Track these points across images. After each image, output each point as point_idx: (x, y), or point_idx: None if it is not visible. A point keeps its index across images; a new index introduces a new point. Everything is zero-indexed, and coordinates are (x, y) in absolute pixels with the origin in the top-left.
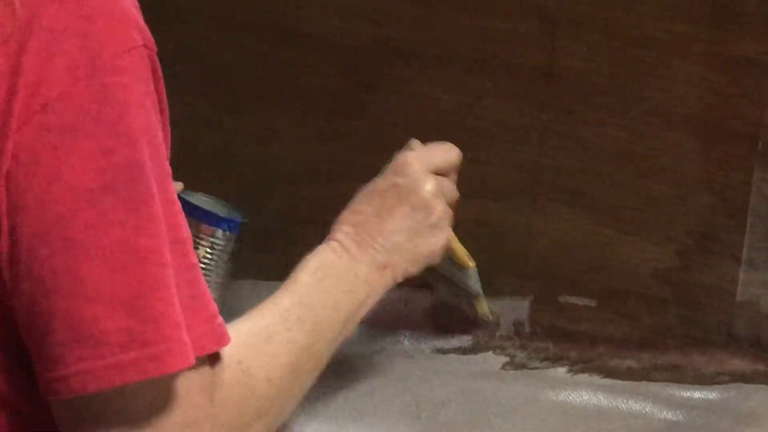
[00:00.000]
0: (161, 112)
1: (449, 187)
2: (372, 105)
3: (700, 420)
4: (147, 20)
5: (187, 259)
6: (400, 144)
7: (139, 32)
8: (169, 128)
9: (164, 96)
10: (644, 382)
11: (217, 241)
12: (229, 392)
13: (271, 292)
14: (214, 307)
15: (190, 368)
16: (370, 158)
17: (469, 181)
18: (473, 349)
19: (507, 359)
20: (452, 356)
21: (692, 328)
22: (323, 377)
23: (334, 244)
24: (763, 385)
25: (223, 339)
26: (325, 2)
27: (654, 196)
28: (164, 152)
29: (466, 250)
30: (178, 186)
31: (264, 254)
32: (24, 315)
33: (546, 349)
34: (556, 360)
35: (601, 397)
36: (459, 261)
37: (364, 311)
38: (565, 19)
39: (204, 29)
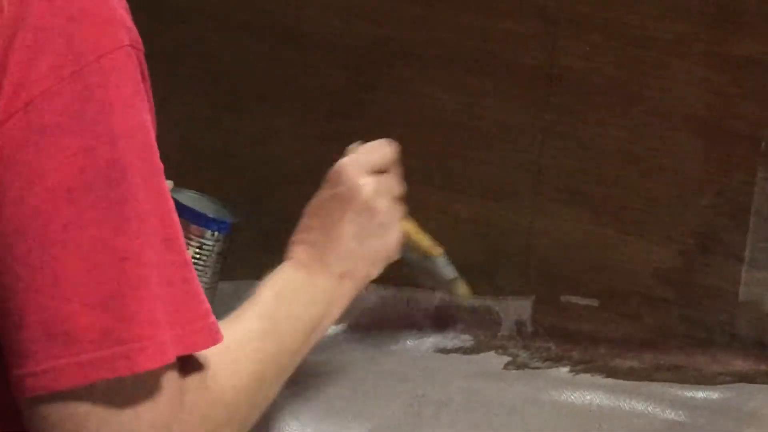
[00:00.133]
0: (150, 110)
1: (389, 183)
2: (372, 105)
3: (702, 420)
4: (147, 21)
5: (179, 257)
6: (401, 144)
7: (126, 32)
8: (155, 127)
9: (151, 95)
10: (646, 382)
11: (206, 241)
12: (198, 397)
13: None
14: (207, 306)
15: (164, 370)
16: None
17: (470, 181)
18: (475, 349)
19: (509, 359)
20: (454, 356)
21: (694, 329)
22: (325, 376)
23: (290, 262)
24: (765, 385)
25: (215, 337)
26: (325, 2)
27: (656, 196)
28: (155, 149)
29: (430, 239)
30: (168, 184)
31: (264, 254)
32: None
33: (548, 349)
34: (557, 360)
35: (603, 398)
36: (425, 251)
37: (329, 322)
38: (566, 19)
39: (204, 29)
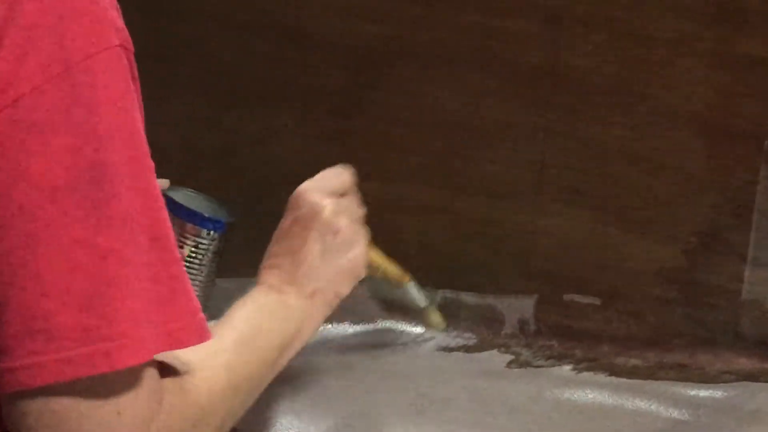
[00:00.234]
0: (139, 110)
1: (349, 205)
2: (373, 104)
3: (705, 419)
4: (147, 20)
5: (168, 255)
6: (402, 143)
7: (116, 33)
8: (144, 127)
9: (140, 95)
10: (649, 381)
11: (201, 240)
12: (175, 398)
13: None
14: (197, 304)
15: (143, 368)
16: (372, 158)
17: (472, 180)
18: (478, 348)
19: (512, 357)
20: (457, 354)
21: (698, 327)
22: (328, 374)
23: (261, 287)
24: None
25: (204, 335)
26: (326, 2)
27: (658, 195)
28: (144, 149)
29: (397, 267)
30: (164, 183)
31: (265, 252)
32: None
33: (551, 348)
34: (560, 358)
35: (606, 396)
36: (393, 280)
37: (302, 339)
38: (569, 17)
39: (205, 29)
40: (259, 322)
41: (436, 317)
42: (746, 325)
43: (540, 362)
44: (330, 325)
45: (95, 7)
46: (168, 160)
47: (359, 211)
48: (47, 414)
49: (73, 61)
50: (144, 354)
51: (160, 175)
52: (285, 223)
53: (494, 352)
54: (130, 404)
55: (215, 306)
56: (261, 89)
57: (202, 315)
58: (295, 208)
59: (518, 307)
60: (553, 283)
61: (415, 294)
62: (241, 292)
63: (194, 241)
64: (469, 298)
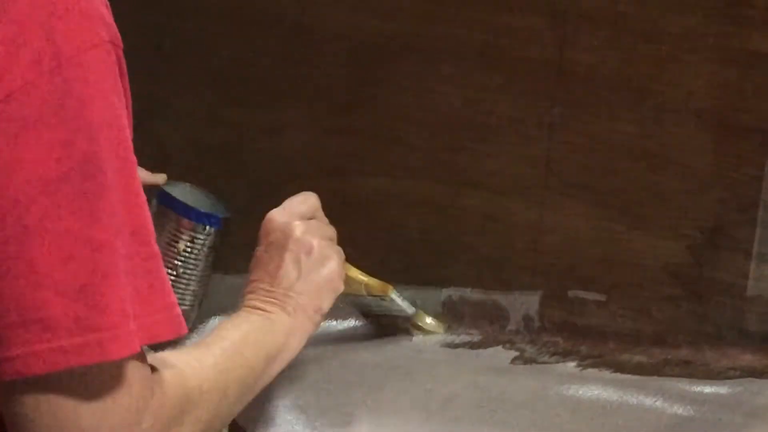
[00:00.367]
0: (126, 106)
1: (319, 226)
2: (379, 100)
3: (711, 415)
4: (153, 16)
5: (147, 249)
6: (409, 139)
7: (105, 29)
8: (131, 122)
9: (128, 91)
10: (655, 377)
11: (197, 235)
12: (168, 389)
13: None
14: (173, 298)
15: (135, 359)
16: (379, 153)
17: (478, 175)
18: (482, 344)
19: (516, 354)
20: (461, 351)
21: (703, 323)
22: (332, 370)
23: (244, 309)
24: None
25: (179, 329)
26: None
27: (664, 190)
28: (129, 144)
29: (377, 280)
30: (162, 178)
31: None
32: None
33: (556, 344)
34: (565, 355)
35: (611, 392)
36: (378, 292)
37: (289, 353)
38: (576, 13)
39: (210, 25)
40: (245, 335)
41: (430, 321)
42: (751, 321)
43: (545, 359)
44: (335, 322)
45: (85, 3)
46: (173, 156)
47: (329, 231)
48: (43, 402)
49: (65, 56)
50: (134, 345)
51: (166, 171)
52: (259, 250)
53: (499, 348)
54: (125, 392)
55: (222, 301)
56: (266, 85)
57: (178, 310)
58: (266, 234)
59: (523, 304)
60: (558, 279)
61: (401, 302)
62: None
63: (190, 236)
64: (473, 294)
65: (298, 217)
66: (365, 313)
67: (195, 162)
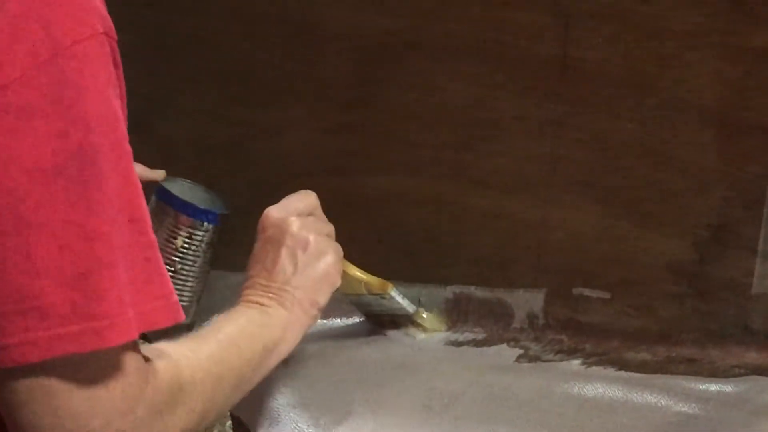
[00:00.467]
0: (121, 97)
1: (315, 221)
2: (384, 98)
3: (715, 413)
4: (158, 14)
5: (144, 237)
6: (413, 137)
7: (100, 20)
8: (126, 113)
9: (123, 82)
10: (659, 375)
11: (195, 231)
12: (160, 377)
13: None
14: (170, 286)
15: (130, 348)
16: (383, 151)
17: (482, 173)
18: (487, 342)
19: (521, 352)
20: (466, 349)
21: (708, 321)
22: (336, 368)
23: (242, 304)
24: None
25: (176, 316)
26: None
27: (669, 188)
28: (124, 134)
29: (376, 278)
30: (161, 174)
31: None
32: None
33: (560, 342)
34: (570, 353)
35: (615, 390)
36: (377, 290)
37: (286, 347)
38: (580, 10)
39: (215, 23)
40: (242, 328)
41: (431, 319)
42: (756, 319)
43: (549, 356)
44: (339, 319)
45: None
46: (176, 154)
47: (327, 227)
48: (38, 390)
49: (61, 47)
50: (130, 333)
51: (168, 169)
52: (257, 246)
53: (503, 346)
54: (119, 380)
55: (224, 299)
56: (269, 83)
57: (176, 298)
58: (263, 230)
59: (528, 301)
60: (563, 277)
61: (402, 300)
62: None
63: (188, 232)
64: (478, 292)
65: (295, 214)
66: (366, 313)
67: (198, 160)
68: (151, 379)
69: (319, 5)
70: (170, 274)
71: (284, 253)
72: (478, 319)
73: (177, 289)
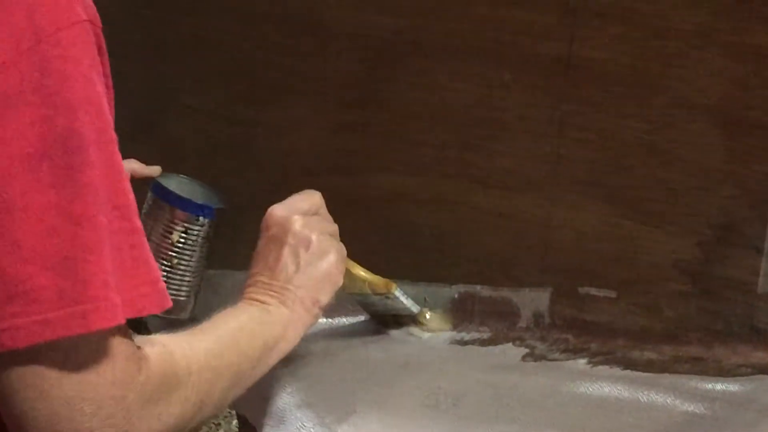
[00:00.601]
0: (106, 85)
1: (319, 221)
2: (389, 97)
3: (721, 413)
4: (163, 13)
5: (129, 224)
6: (417, 136)
7: (83, 8)
8: (113, 102)
9: (108, 70)
10: (665, 375)
11: (191, 226)
12: (154, 366)
13: None
14: (157, 273)
15: (119, 334)
16: (388, 150)
17: (488, 172)
18: (493, 341)
19: (527, 351)
20: (471, 348)
21: (714, 320)
22: (342, 367)
23: (243, 301)
24: None
25: (163, 303)
26: None
27: (675, 187)
28: (109, 121)
29: (380, 278)
30: (156, 170)
31: None
32: None
33: (566, 341)
34: (576, 352)
35: (621, 390)
36: (381, 290)
37: (286, 344)
38: (585, 9)
39: (221, 21)
40: (242, 324)
41: (435, 319)
42: (763, 318)
43: (555, 356)
44: (344, 318)
45: None
46: (182, 152)
47: (331, 227)
48: (28, 374)
49: (44, 34)
50: (116, 318)
51: (175, 167)
52: (260, 244)
53: (509, 345)
54: (109, 366)
55: (231, 297)
56: (275, 82)
57: (162, 284)
58: (266, 228)
59: (533, 300)
60: (569, 276)
61: (406, 300)
62: None
63: (183, 226)
64: (483, 291)
65: (299, 213)
66: (371, 313)
67: (202, 159)
68: (143, 366)
69: (325, 4)
70: (167, 269)
71: (287, 251)
72: (483, 319)
73: (175, 285)
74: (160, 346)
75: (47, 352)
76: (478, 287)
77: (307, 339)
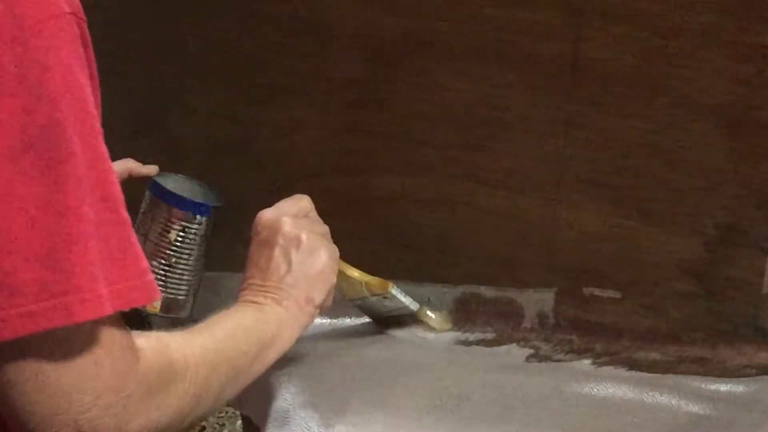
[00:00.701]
0: (91, 77)
1: (308, 221)
2: (393, 97)
3: (726, 413)
4: (167, 13)
5: (115, 215)
6: (423, 136)
7: (66, 1)
8: (99, 93)
9: (93, 62)
10: (670, 375)
11: (188, 225)
12: (152, 357)
13: None
14: (145, 265)
15: (114, 324)
16: (392, 150)
17: (492, 172)
18: (497, 342)
19: (531, 352)
20: (476, 348)
21: (719, 321)
22: (346, 368)
23: (238, 303)
24: None
25: (152, 295)
26: None
27: (679, 187)
28: (93, 113)
29: (376, 278)
30: (153, 169)
31: None
32: None
33: (570, 342)
34: (580, 352)
35: (626, 390)
36: (378, 290)
37: (282, 343)
38: (590, 9)
39: (225, 21)
40: (238, 321)
41: (436, 316)
42: (767, 318)
43: (559, 356)
44: (348, 319)
45: None
46: (186, 153)
47: (320, 227)
48: (25, 368)
49: (26, 25)
50: (101, 309)
51: (179, 167)
52: (251, 249)
53: (513, 346)
54: (105, 356)
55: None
56: (280, 81)
57: (151, 277)
58: (256, 233)
59: (538, 301)
60: (573, 277)
61: (404, 298)
62: None
63: (181, 225)
64: (488, 291)
65: (288, 215)
66: (372, 317)
67: (206, 159)
68: (141, 358)
69: (329, 5)
70: (166, 268)
71: (277, 252)
72: (487, 319)
73: (174, 284)
74: (155, 339)
75: (41, 344)
76: (482, 288)
77: (311, 340)
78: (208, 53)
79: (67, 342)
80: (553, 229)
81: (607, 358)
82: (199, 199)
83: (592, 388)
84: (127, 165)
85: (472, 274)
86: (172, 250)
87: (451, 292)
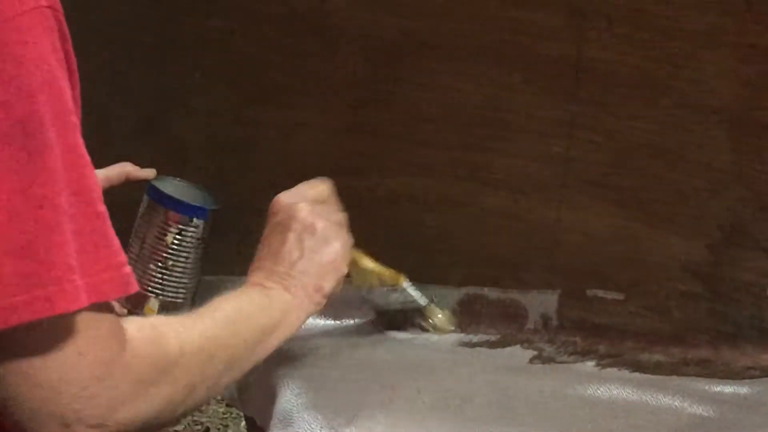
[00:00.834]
0: (70, 71)
1: (325, 208)
2: (396, 98)
3: (730, 415)
4: (170, 14)
5: (90, 208)
6: (427, 137)
7: None
8: (79, 87)
9: (72, 56)
10: (674, 377)
11: (185, 228)
12: (141, 345)
13: None
14: (122, 258)
15: (96, 313)
16: (396, 151)
17: (496, 173)
18: (501, 343)
19: (535, 353)
20: (479, 350)
21: (722, 322)
22: (350, 369)
23: (246, 285)
24: None
25: (128, 287)
26: None
27: (683, 189)
28: (70, 107)
29: (389, 269)
30: (150, 173)
31: None
32: None
33: (574, 343)
34: (584, 354)
35: (629, 392)
36: (390, 282)
37: (286, 330)
38: (593, 10)
39: (227, 21)
40: (240, 307)
41: (442, 316)
42: None
43: (563, 358)
44: (352, 321)
45: None
46: (190, 154)
47: (338, 216)
48: (10, 360)
49: (3, 19)
50: (81, 299)
51: (182, 168)
52: (266, 230)
53: (517, 347)
54: (90, 346)
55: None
56: (283, 82)
57: (128, 269)
58: (273, 215)
59: (541, 302)
60: (577, 278)
61: (414, 293)
62: None
63: (178, 228)
64: (492, 293)
65: (305, 200)
66: (379, 310)
67: (209, 160)
68: (128, 347)
69: (333, 5)
70: (163, 271)
71: (291, 237)
72: (491, 321)
73: (171, 287)
74: (149, 327)
75: (24, 336)
76: (486, 289)
77: (315, 341)
78: (211, 53)
79: (50, 333)
80: (556, 230)
81: (610, 359)
82: (196, 203)
83: (596, 390)
84: (125, 168)
85: (475, 275)
86: (169, 253)
87: (454, 294)
